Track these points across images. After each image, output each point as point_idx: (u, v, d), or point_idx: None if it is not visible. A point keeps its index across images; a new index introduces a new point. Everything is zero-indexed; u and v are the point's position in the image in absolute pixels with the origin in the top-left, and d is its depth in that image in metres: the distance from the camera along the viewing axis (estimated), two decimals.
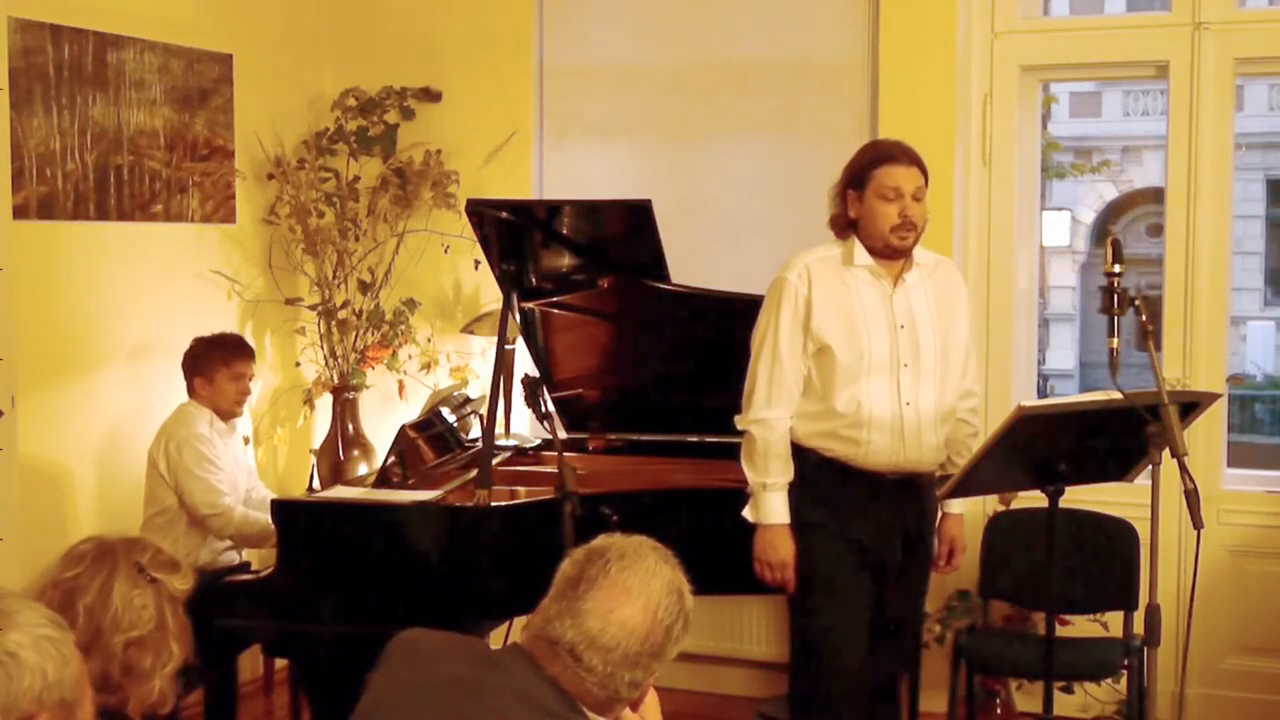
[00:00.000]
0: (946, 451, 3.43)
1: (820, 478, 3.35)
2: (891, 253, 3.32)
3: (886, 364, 3.31)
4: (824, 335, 3.30)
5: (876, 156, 3.35)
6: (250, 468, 4.60)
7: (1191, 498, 2.82)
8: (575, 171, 5.17)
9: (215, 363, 4.29)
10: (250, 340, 5.01)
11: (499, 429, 4.36)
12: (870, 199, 3.31)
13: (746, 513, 3.38)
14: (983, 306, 4.72)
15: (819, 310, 3.31)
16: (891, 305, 3.34)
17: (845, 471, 3.34)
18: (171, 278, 4.71)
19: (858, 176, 3.35)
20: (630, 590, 1.90)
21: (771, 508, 3.34)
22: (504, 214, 4.15)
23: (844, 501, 3.35)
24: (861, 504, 3.35)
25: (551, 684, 1.90)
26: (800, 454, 3.36)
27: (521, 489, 4.14)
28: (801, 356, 3.34)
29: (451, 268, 5.16)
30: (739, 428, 3.41)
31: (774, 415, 3.34)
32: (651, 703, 2.09)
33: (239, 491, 4.36)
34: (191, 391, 4.32)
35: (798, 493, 3.35)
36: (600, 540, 1.99)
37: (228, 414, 4.36)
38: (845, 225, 3.38)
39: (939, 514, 3.49)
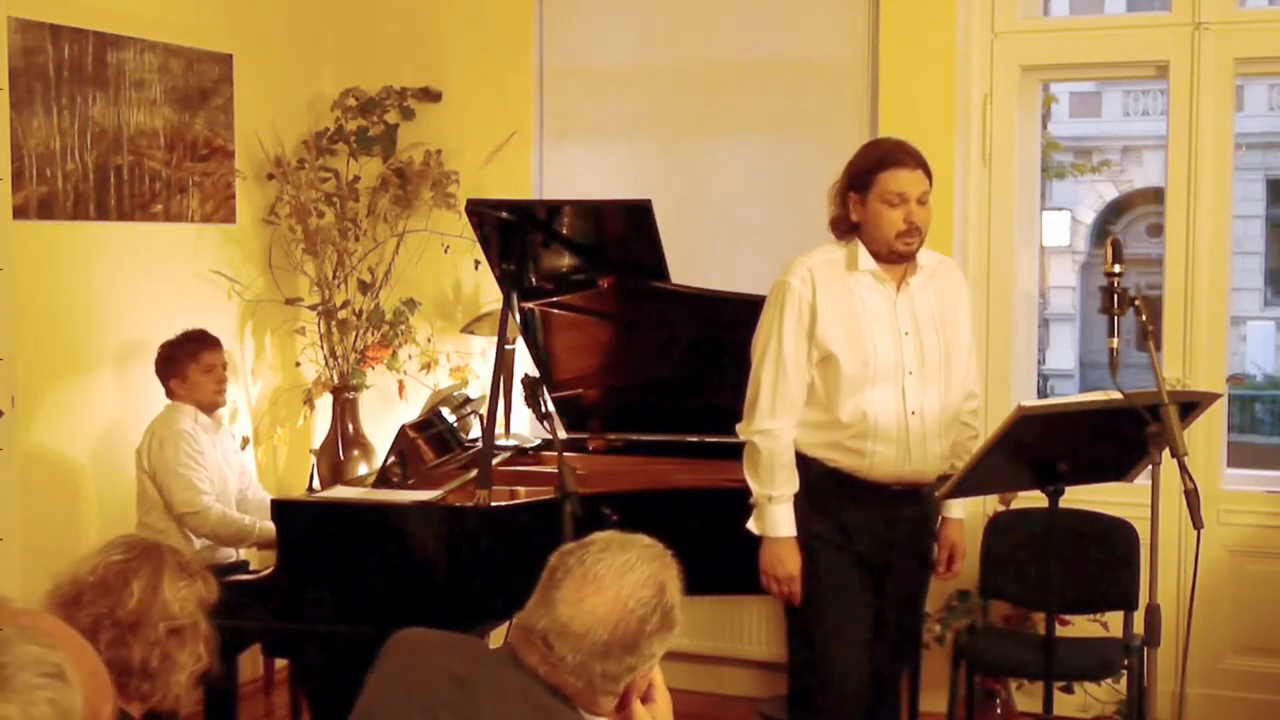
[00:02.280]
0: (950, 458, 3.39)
1: (823, 488, 3.29)
2: (896, 257, 3.26)
3: (892, 372, 3.25)
4: (829, 343, 3.23)
5: (881, 160, 3.25)
6: (244, 468, 4.59)
7: (1191, 498, 2.82)
8: (575, 171, 5.17)
9: (184, 360, 4.31)
10: (250, 340, 5.03)
11: (499, 429, 4.36)
12: (874, 204, 3.23)
13: (751, 525, 3.31)
14: (983, 306, 4.72)
15: (824, 317, 3.23)
16: (896, 310, 3.28)
17: (848, 483, 3.29)
18: (171, 278, 4.71)
19: (860, 179, 3.26)
20: (601, 580, 1.91)
21: (778, 521, 3.27)
22: (504, 214, 4.15)
23: (846, 513, 3.30)
24: (864, 516, 3.30)
25: (532, 675, 1.91)
26: (803, 463, 3.30)
27: (521, 489, 4.14)
28: (806, 364, 3.26)
29: (451, 268, 5.16)
30: (741, 438, 3.33)
31: (778, 425, 3.27)
32: (664, 703, 2.08)
33: (227, 490, 4.35)
34: (170, 394, 4.33)
35: (800, 503, 3.29)
36: (593, 535, 2.00)
37: (210, 406, 4.37)
38: (847, 228, 3.30)
39: (939, 519, 3.46)
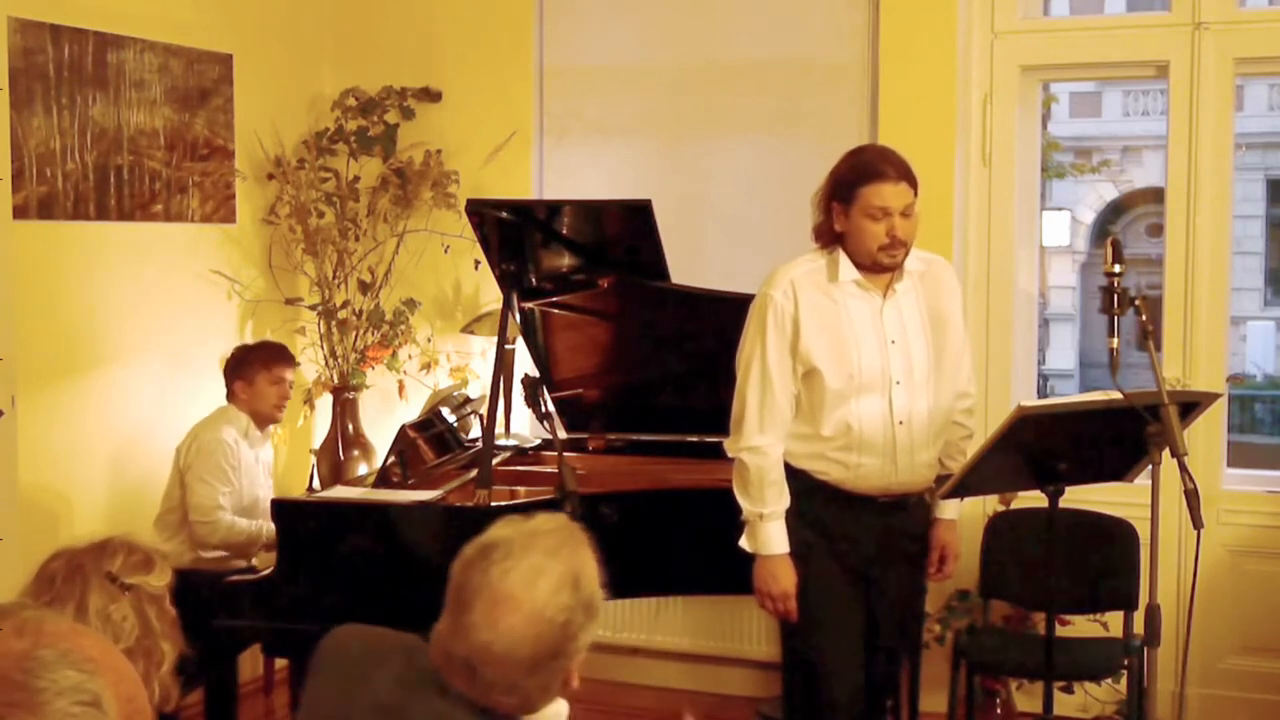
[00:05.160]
0: (940, 461, 3.36)
1: (811, 498, 3.26)
2: (880, 269, 3.22)
3: (878, 382, 3.20)
4: (812, 357, 3.19)
5: (863, 173, 3.16)
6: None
7: (1191, 498, 2.82)
8: (575, 171, 5.16)
9: (255, 366, 4.33)
10: (250, 340, 5.01)
11: (499, 429, 4.36)
12: (857, 217, 3.16)
13: (744, 543, 3.28)
14: (983, 306, 4.72)
15: (807, 330, 3.19)
16: (882, 319, 3.23)
17: (835, 494, 3.26)
18: (171, 278, 4.71)
19: (843, 190, 3.19)
20: (513, 598, 1.77)
21: (770, 538, 3.24)
22: (504, 214, 4.15)
23: (834, 523, 3.27)
24: (851, 526, 3.27)
25: (459, 700, 1.81)
26: (791, 474, 3.26)
27: (521, 489, 4.14)
28: (791, 378, 3.22)
29: (451, 268, 5.16)
30: (729, 455, 3.30)
31: (766, 442, 3.22)
32: None
33: (257, 505, 4.34)
34: (230, 395, 4.35)
35: (788, 512, 3.26)
36: (491, 533, 1.85)
37: (266, 419, 4.38)
38: (831, 238, 3.25)
39: (933, 520, 3.42)
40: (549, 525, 1.86)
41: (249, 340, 5.01)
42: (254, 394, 4.33)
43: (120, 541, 2.15)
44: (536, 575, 1.79)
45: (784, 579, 3.25)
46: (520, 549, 1.81)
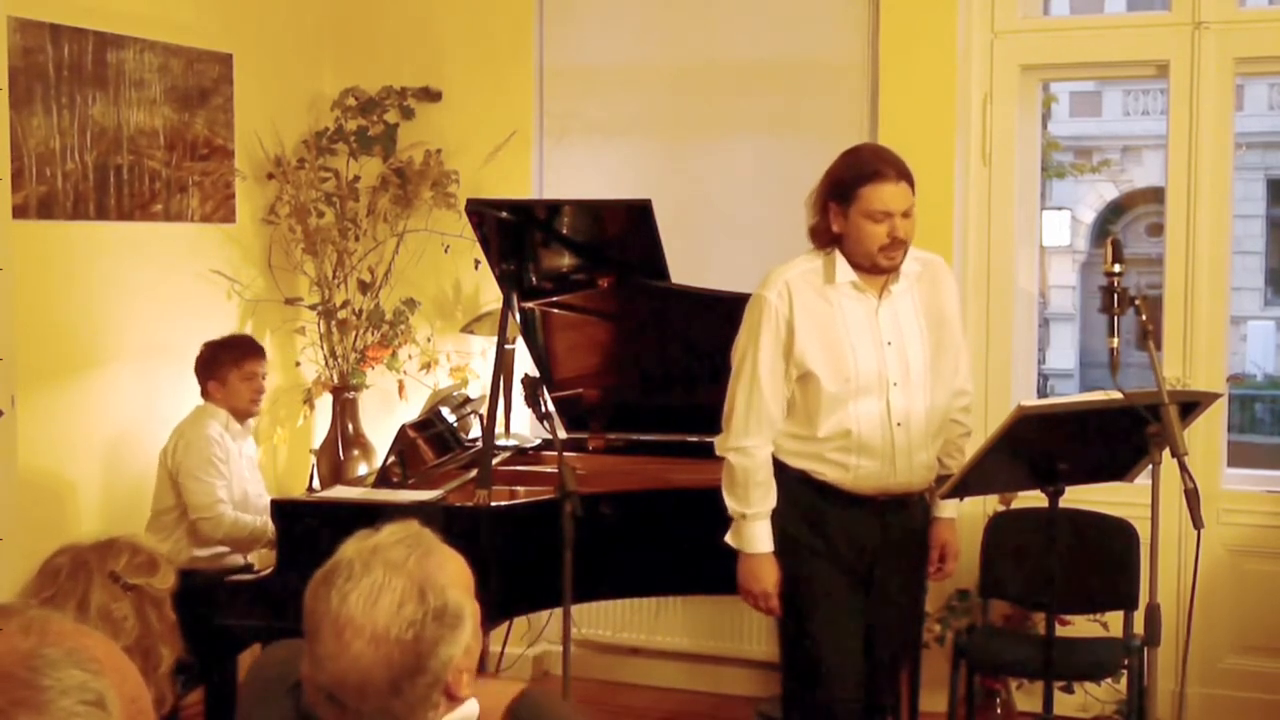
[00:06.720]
0: (939, 460, 3.36)
1: (809, 498, 3.26)
2: (878, 270, 3.20)
3: (875, 385, 3.19)
4: (807, 361, 3.17)
5: (863, 173, 3.14)
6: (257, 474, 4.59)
7: (1191, 497, 2.82)
8: (575, 171, 5.16)
9: (226, 365, 4.31)
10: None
11: (499, 429, 4.36)
12: (856, 218, 3.14)
13: (729, 539, 3.29)
14: (983, 306, 4.72)
15: (801, 333, 3.18)
16: (878, 321, 3.22)
17: (832, 493, 3.25)
18: (171, 278, 4.71)
19: (841, 190, 3.17)
20: (354, 621, 1.68)
21: (755, 536, 3.24)
22: (504, 214, 4.15)
23: (833, 523, 3.27)
24: (848, 526, 3.27)
25: None
26: (785, 472, 3.26)
27: (521, 489, 4.15)
28: (783, 381, 3.21)
29: (451, 268, 5.16)
30: (718, 454, 3.30)
31: (752, 443, 3.22)
32: None
33: (247, 498, 4.34)
34: (205, 395, 4.34)
35: (785, 512, 3.26)
36: (338, 554, 1.76)
37: (244, 414, 4.38)
38: (828, 239, 3.23)
39: (932, 519, 3.41)
40: (393, 537, 1.75)
41: None
42: (228, 392, 4.31)
43: (126, 542, 2.15)
44: (377, 594, 1.69)
45: (765, 578, 3.26)
46: (361, 568, 1.71)
